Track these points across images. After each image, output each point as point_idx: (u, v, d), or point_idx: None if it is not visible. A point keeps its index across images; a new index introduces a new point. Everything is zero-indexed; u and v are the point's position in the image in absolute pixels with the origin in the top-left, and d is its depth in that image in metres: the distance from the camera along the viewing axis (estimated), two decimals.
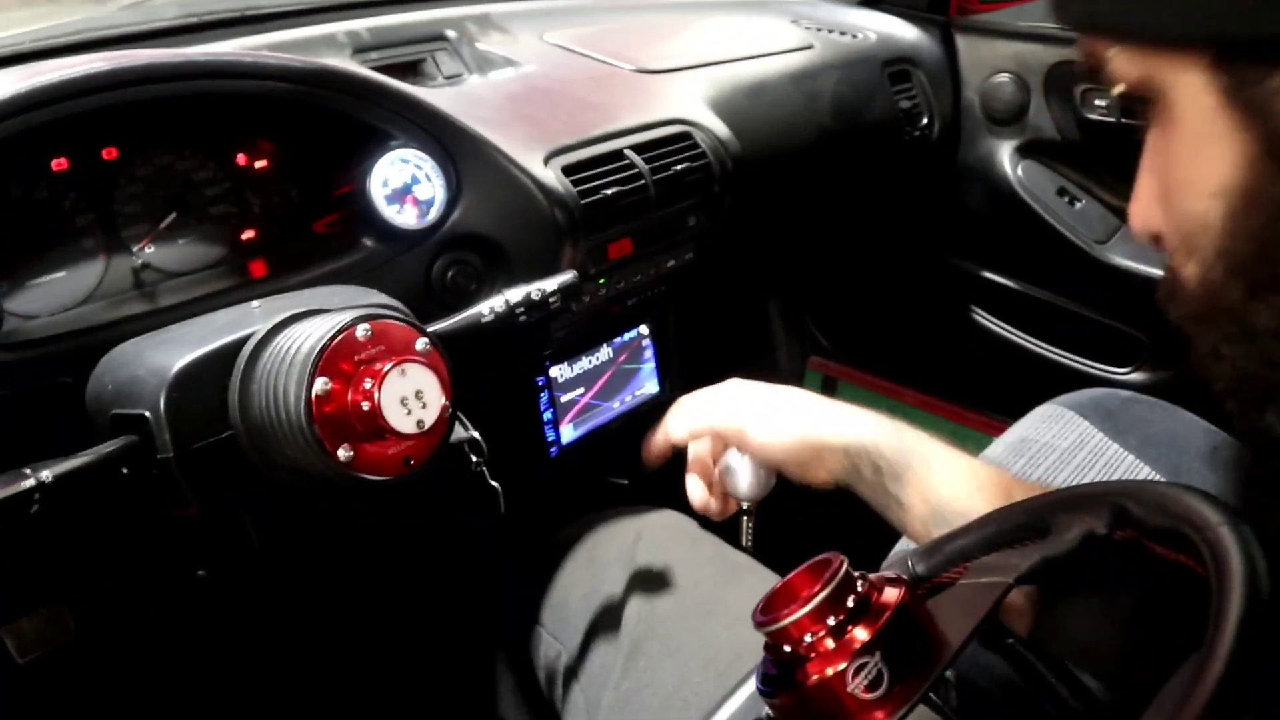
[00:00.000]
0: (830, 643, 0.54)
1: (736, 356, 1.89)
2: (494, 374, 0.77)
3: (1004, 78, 1.71)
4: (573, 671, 1.02)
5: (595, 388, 1.34)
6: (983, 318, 1.84)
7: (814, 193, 1.55)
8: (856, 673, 0.52)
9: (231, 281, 0.98)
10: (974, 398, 1.89)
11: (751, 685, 0.80)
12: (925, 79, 1.72)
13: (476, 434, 0.87)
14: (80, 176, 0.96)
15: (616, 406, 1.39)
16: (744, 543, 1.07)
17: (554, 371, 1.27)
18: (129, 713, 1.29)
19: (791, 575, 0.59)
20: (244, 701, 1.35)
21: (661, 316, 1.45)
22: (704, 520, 1.07)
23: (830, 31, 1.69)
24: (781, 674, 0.56)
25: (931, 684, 0.53)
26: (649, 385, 1.43)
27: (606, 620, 1.01)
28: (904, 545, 1.09)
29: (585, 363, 1.32)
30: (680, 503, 1.10)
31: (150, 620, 1.21)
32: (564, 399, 1.30)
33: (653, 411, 1.44)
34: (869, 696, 0.52)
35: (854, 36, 1.70)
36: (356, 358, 0.71)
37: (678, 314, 1.48)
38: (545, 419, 1.24)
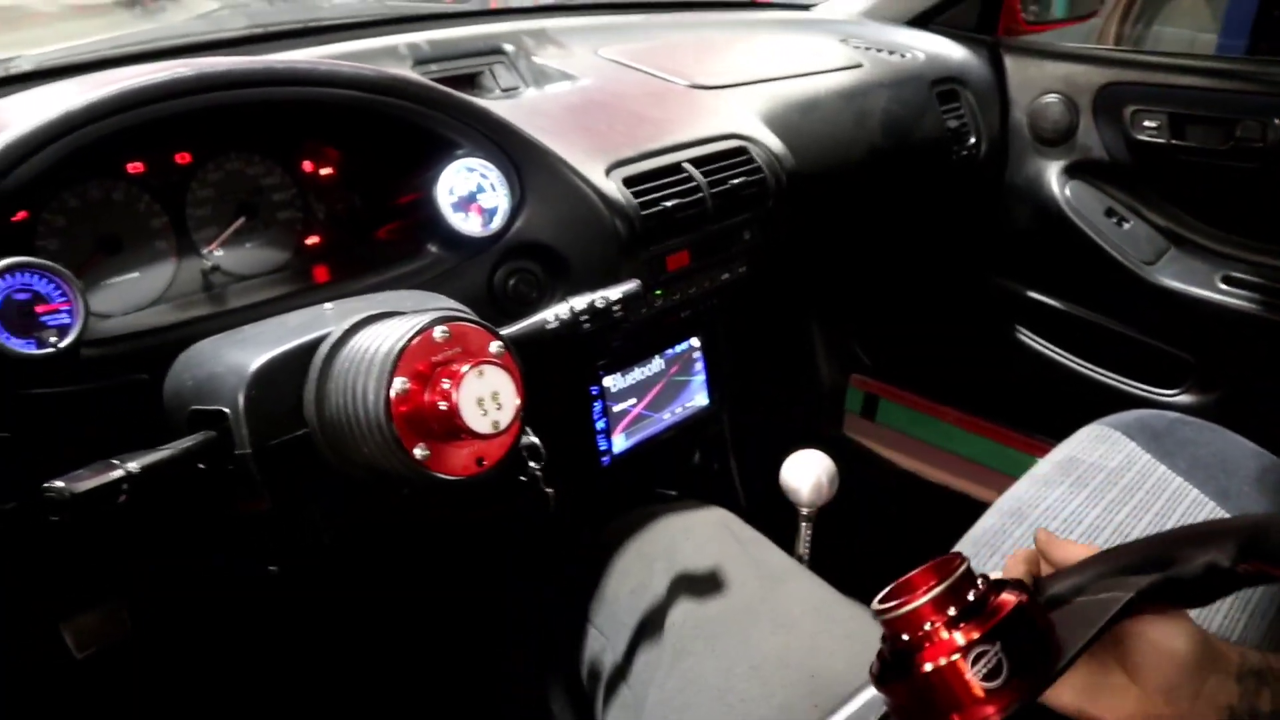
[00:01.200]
0: (948, 632, 0.54)
1: (779, 373, 1.90)
2: (551, 382, 0.78)
3: (1052, 98, 1.72)
4: (618, 667, 1.03)
5: (647, 399, 1.35)
6: (1027, 337, 1.84)
7: (862, 210, 1.56)
8: (976, 660, 0.53)
9: (296, 286, 1.00)
10: (1016, 417, 1.89)
11: (862, 698, 0.81)
12: (973, 98, 1.73)
13: (536, 439, 0.88)
14: (155, 180, 0.98)
15: (667, 418, 1.40)
16: (799, 550, 1.08)
17: (607, 381, 1.28)
18: (178, 709, 1.30)
19: (912, 572, 0.60)
20: (295, 698, 1.36)
21: (713, 329, 1.46)
22: (751, 518, 1.08)
23: (879, 50, 1.70)
24: (898, 662, 0.56)
25: (1051, 680, 0.53)
26: (699, 397, 1.44)
27: (653, 618, 1.02)
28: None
29: (638, 373, 1.33)
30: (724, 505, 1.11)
31: (206, 618, 1.22)
32: (616, 409, 1.31)
33: (702, 424, 1.45)
34: (987, 685, 0.53)
35: (902, 56, 1.70)
36: (433, 359, 0.72)
37: (727, 328, 1.49)
38: (598, 428, 1.25)
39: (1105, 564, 0.63)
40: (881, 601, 0.58)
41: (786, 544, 1.11)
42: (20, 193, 0.81)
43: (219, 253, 1.01)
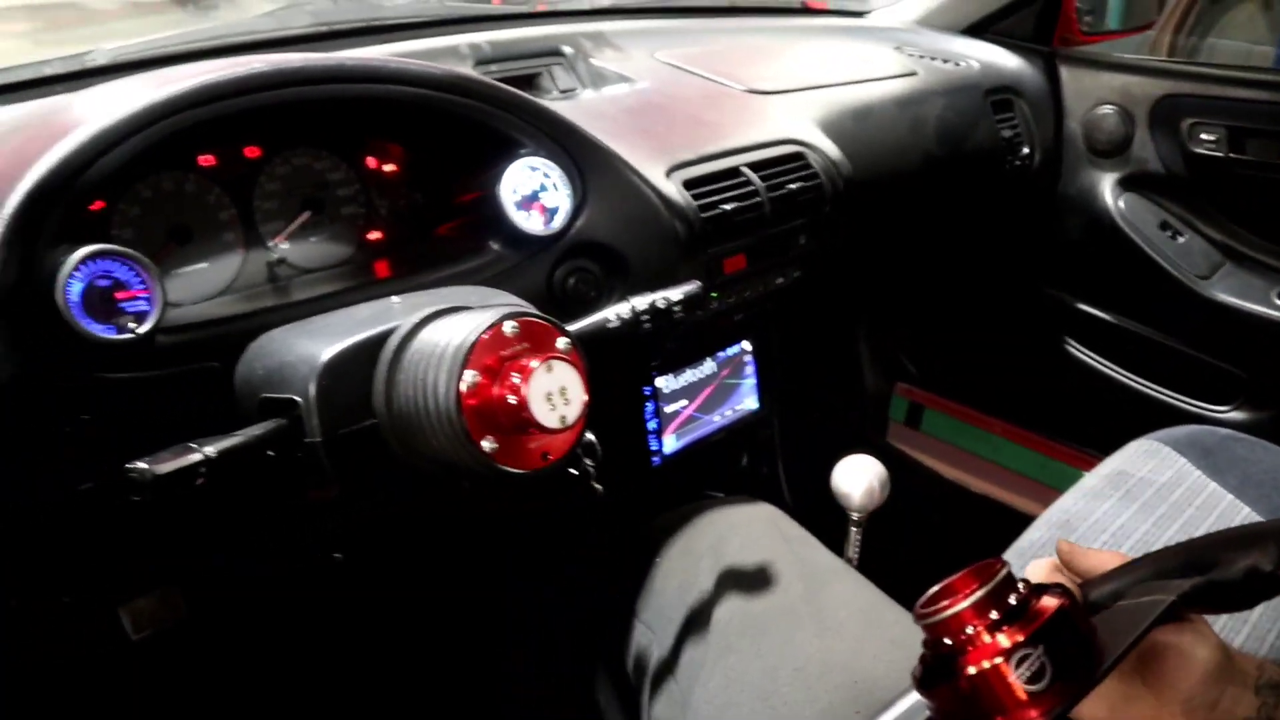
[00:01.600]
0: (991, 636, 0.54)
1: (823, 379, 1.90)
2: (606, 381, 0.79)
3: (1108, 109, 1.71)
4: (665, 662, 1.03)
5: (698, 400, 1.36)
6: (1076, 349, 1.83)
7: (914, 218, 1.56)
8: (1019, 664, 0.53)
9: (357, 280, 1.01)
10: (1063, 430, 1.88)
11: (906, 703, 0.81)
12: (1027, 108, 1.72)
13: (592, 436, 0.89)
14: (225, 173, 1.00)
15: (717, 420, 1.40)
16: (849, 554, 1.08)
17: (660, 382, 1.29)
18: (227, 690, 1.33)
19: (953, 577, 0.60)
20: (348, 687, 1.38)
21: (764, 333, 1.46)
22: (797, 515, 1.08)
23: (933, 59, 1.70)
24: (940, 667, 0.57)
25: (1095, 684, 0.53)
26: (749, 401, 1.45)
27: (699, 615, 1.02)
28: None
29: (690, 375, 1.34)
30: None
31: (252, 606, 1.24)
32: (668, 410, 1.31)
33: (751, 427, 1.46)
34: (1031, 688, 0.53)
35: (957, 64, 1.70)
36: (503, 354, 0.73)
37: (778, 332, 1.49)
38: (650, 428, 1.26)
39: (1145, 568, 0.63)
40: (923, 605, 0.59)
41: (832, 549, 1.11)
42: (102, 183, 0.83)
43: (284, 245, 1.03)
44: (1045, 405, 1.88)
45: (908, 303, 1.96)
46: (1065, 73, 1.77)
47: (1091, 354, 1.81)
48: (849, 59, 1.62)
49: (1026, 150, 1.70)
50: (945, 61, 1.70)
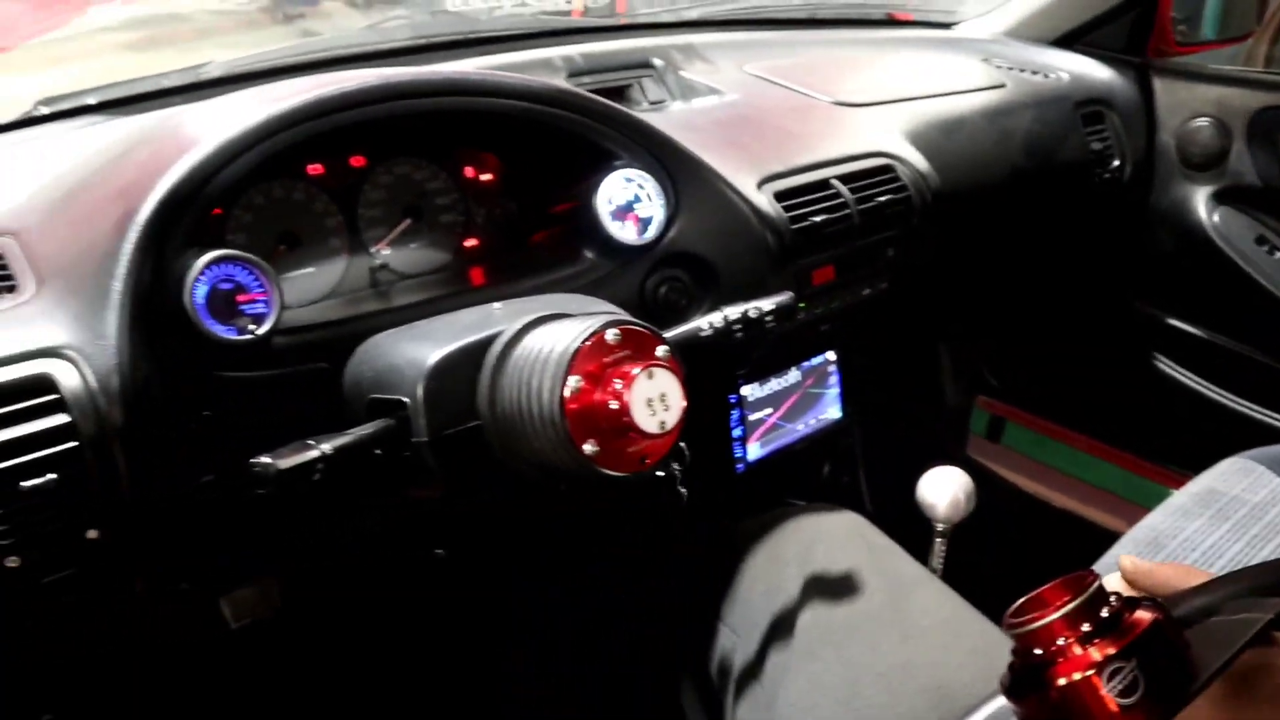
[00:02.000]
0: (1083, 648, 0.54)
1: (904, 390, 1.89)
2: (694, 388, 0.81)
3: (1203, 122, 1.68)
4: (748, 667, 1.04)
5: (782, 409, 1.37)
6: (1166, 365, 1.79)
7: (1003, 230, 1.55)
8: (1111, 677, 0.53)
9: (455, 287, 1.05)
10: (1150, 447, 1.84)
11: (993, 706, 0.81)
12: (1119, 121, 1.70)
13: (681, 442, 0.91)
14: (332, 182, 1.05)
15: (801, 429, 1.42)
16: (933, 564, 1.08)
17: (746, 390, 1.31)
18: (318, 676, 1.37)
19: (1044, 587, 0.60)
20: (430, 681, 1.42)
21: (849, 344, 1.47)
22: (882, 525, 1.09)
23: (1022, 70, 1.69)
24: (1030, 677, 0.57)
25: (1187, 701, 0.53)
26: (832, 410, 1.45)
27: (784, 620, 1.03)
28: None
29: (775, 384, 1.35)
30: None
31: (352, 596, 1.29)
32: (753, 417, 1.33)
33: (833, 436, 1.47)
34: (1122, 702, 0.53)
35: (1046, 76, 1.69)
36: (605, 360, 0.76)
37: (862, 343, 1.50)
38: (734, 435, 1.28)
39: (1236, 584, 0.62)
40: (1013, 615, 0.58)
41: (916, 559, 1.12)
42: (224, 191, 0.87)
43: (386, 251, 1.07)
44: (1132, 421, 1.85)
45: (992, 315, 1.95)
46: (1159, 84, 1.75)
47: (1182, 370, 1.78)
48: (937, 71, 1.62)
49: (1117, 163, 1.68)
50: (1034, 73, 1.69)
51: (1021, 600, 0.60)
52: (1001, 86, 1.60)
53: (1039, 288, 1.88)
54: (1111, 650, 0.54)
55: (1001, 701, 0.67)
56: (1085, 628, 0.55)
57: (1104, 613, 0.56)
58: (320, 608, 1.31)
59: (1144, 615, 0.56)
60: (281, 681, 1.37)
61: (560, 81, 1.33)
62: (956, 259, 1.48)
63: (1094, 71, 1.74)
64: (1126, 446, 1.88)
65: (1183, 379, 1.77)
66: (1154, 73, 1.76)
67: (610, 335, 0.76)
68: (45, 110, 1.16)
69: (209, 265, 0.82)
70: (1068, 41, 1.83)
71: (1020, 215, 1.57)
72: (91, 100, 1.18)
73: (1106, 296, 1.84)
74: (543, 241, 1.13)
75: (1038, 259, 1.77)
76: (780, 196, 1.15)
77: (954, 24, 1.94)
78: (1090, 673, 0.53)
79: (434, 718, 1.41)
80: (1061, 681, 0.54)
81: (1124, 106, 1.71)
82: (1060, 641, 0.55)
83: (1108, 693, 0.53)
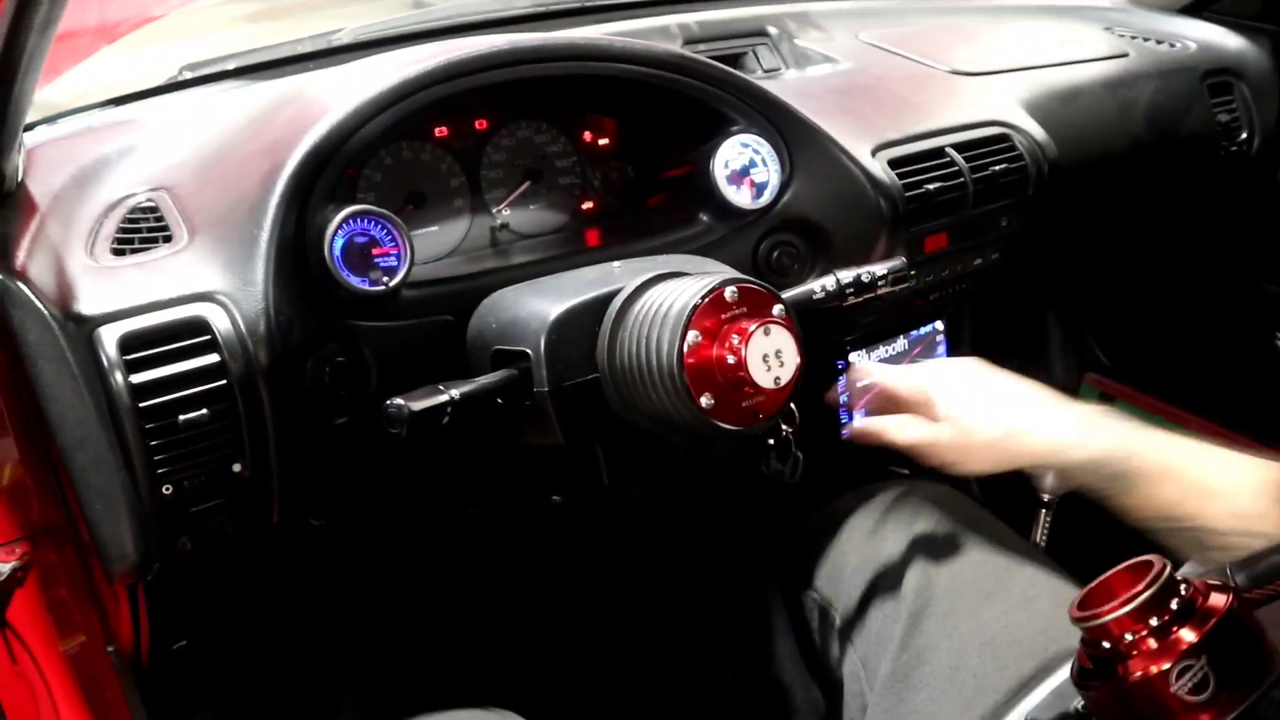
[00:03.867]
0: (1153, 642, 0.54)
1: (1012, 363, 1.86)
2: (805, 351, 0.82)
3: None
4: (847, 636, 1.05)
5: None
6: None
7: (1121, 203, 1.52)
8: (1181, 674, 0.52)
9: (571, 247, 1.08)
10: (1271, 431, 1.78)
11: (1060, 675, 0.81)
12: (1248, 91, 1.64)
13: (791, 404, 0.93)
14: (456, 144, 1.09)
15: None
16: (1037, 537, 1.08)
17: (853, 357, 1.31)
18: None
19: (1109, 574, 0.59)
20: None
21: (958, 314, 1.46)
22: (982, 500, 1.08)
23: (1147, 40, 1.64)
24: (1099, 668, 0.56)
25: (1261, 695, 0.52)
26: None
27: (884, 590, 1.04)
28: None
29: (882, 352, 1.35)
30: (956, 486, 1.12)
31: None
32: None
33: None
34: (1193, 699, 0.52)
35: (1172, 45, 1.64)
36: (723, 316, 0.78)
37: (971, 314, 1.49)
38: (840, 401, 1.28)
39: None
40: (1079, 607, 0.57)
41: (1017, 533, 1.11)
42: (361, 150, 0.92)
43: (506, 212, 1.11)
44: (1253, 404, 1.79)
45: (1105, 290, 1.90)
46: None
47: None
48: (1056, 39, 1.59)
49: (1244, 135, 1.62)
50: (1159, 42, 1.64)
51: (1087, 589, 0.59)
52: (1124, 56, 1.56)
53: (1156, 263, 1.82)
54: (1182, 646, 0.53)
55: None
56: (1154, 621, 0.54)
57: (1174, 604, 0.54)
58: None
59: (1216, 602, 0.54)
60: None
61: (677, 48, 1.35)
62: (1071, 231, 1.45)
63: (1223, 40, 1.68)
64: (1244, 430, 1.82)
65: None
66: None
67: (729, 293, 0.78)
68: (189, 75, 1.23)
69: (347, 219, 0.87)
70: (1196, 9, 1.77)
71: (1140, 188, 1.53)
72: (231, 66, 1.24)
73: (1229, 274, 1.78)
74: (657, 205, 1.16)
75: (1156, 233, 1.72)
76: (895, 164, 1.15)
77: None
78: (1160, 671, 0.53)
79: (479, 674, 1.45)
80: (1131, 675, 0.54)
81: (1255, 77, 1.65)
82: (1129, 636, 0.54)
83: (1178, 689, 0.52)
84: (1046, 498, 1.06)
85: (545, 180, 1.13)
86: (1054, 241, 1.42)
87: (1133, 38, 1.64)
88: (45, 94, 0.76)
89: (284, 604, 1.29)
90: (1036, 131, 1.30)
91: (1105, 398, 1.98)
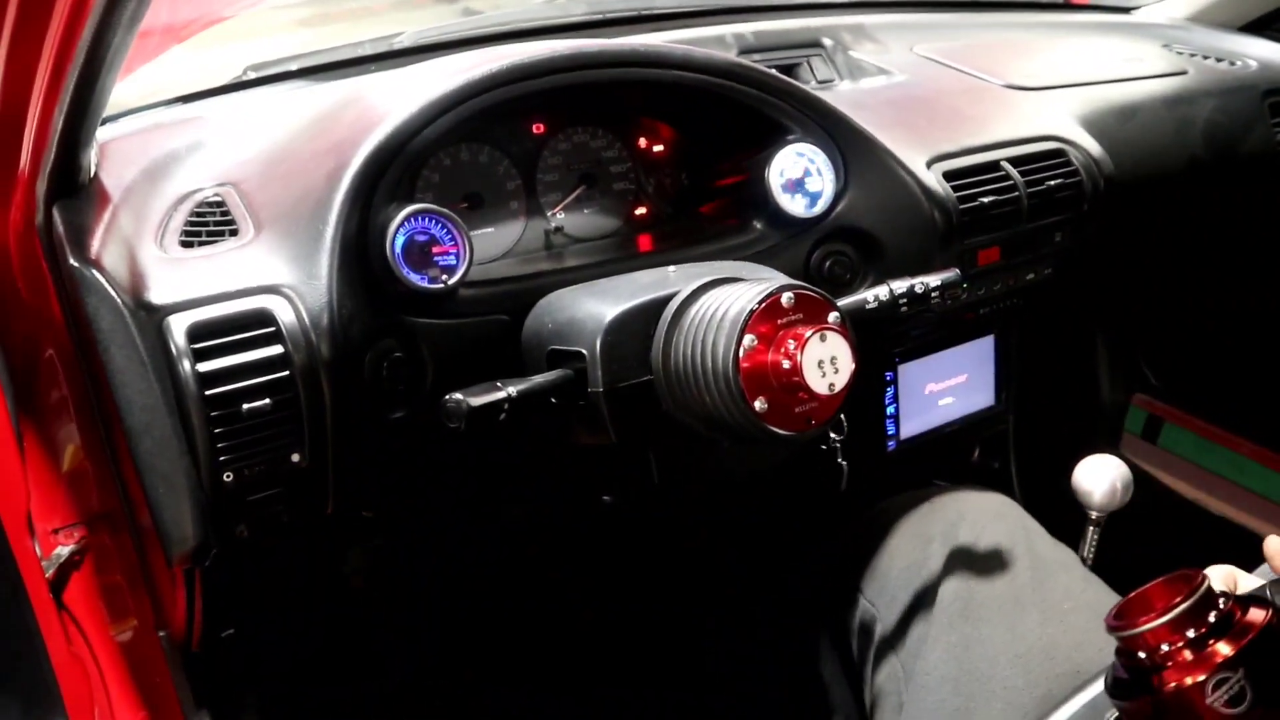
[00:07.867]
0: (1189, 654, 0.53)
1: (1060, 381, 1.85)
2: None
3: None
4: (888, 640, 1.05)
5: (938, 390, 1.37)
6: None
7: (1177, 221, 1.51)
8: (1217, 686, 0.52)
9: (623, 252, 1.09)
10: None
11: (1095, 688, 0.80)
12: None
13: (841, 414, 0.93)
14: (514, 147, 1.10)
15: (954, 412, 1.41)
16: (1084, 553, 1.07)
17: (902, 369, 1.31)
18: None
19: (1148, 586, 0.59)
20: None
21: (1007, 329, 1.46)
22: (1027, 507, 1.07)
23: (1206, 58, 1.63)
24: (1134, 679, 0.56)
25: None
26: (986, 395, 1.44)
27: (925, 595, 1.04)
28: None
29: (931, 364, 1.35)
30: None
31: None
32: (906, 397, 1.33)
33: (986, 421, 1.46)
34: (1229, 712, 0.52)
35: (1231, 64, 1.62)
36: (778, 321, 0.78)
37: (1021, 329, 1.48)
38: (888, 413, 1.29)
39: None
40: (1116, 618, 0.57)
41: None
42: (423, 150, 0.94)
43: (560, 215, 1.12)
44: None
45: (1157, 309, 1.88)
46: None
47: None
48: (1114, 56, 1.58)
49: None
50: (1219, 60, 1.62)
51: (1124, 600, 0.58)
52: (1183, 73, 1.55)
53: (1210, 283, 1.80)
54: (1218, 659, 0.53)
55: None
56: (1191, 633, 0.54)
57: (1212, 616, 0.54)
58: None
59: (1255, 617, 0.54)
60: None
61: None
62: (1126, 248, 1.44)
63: None
64: None
65: None
66: None
67: (785, 299, 0.79)
68: (254, 75, 1.26)
69: (409, 218, 0.88)
70: (1258, 27, 1.75)
71: (1197, 206, 1.52)
72: (294, 67, 1.27)
73: None
74: (710, 212, 1.16)
75: (1212, 253, 1.71)
76: (949, 176, 1.15)
77: (1134, 8, 1.88)
78: (1196, 682, 0.53)
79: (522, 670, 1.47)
80: (1166, 688, 0.53)
81: None
82: (1165, 648, 0.54)
83: (1213, 702, 0.52)
84: (1095, 515, 1.05)
85: (599, 185, 1.14)
86: (1107, 258, 1.41)
87: (1191, 55, 1.63)
88: (117, 91, 0.78)
89: (330, 595, 1.31)
90: (1092, 147, 1.29)
91: (1153, 419, 1.95)
